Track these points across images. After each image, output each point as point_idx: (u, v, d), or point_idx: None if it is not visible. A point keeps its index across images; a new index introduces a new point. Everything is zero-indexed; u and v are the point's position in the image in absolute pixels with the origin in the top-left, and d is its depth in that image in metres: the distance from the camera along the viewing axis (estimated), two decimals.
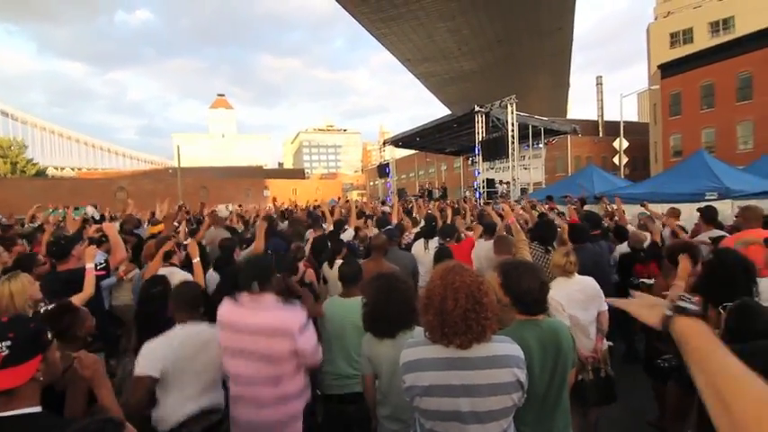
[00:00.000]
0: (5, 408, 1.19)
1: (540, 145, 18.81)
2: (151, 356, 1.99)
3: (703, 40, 29.27)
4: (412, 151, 30.36)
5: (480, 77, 32.48)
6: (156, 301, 2.61)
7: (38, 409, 1.24)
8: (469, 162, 24.08)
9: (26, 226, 6.21)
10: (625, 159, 17.54)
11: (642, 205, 6.36)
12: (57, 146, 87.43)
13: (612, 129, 31.00)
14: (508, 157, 16.00)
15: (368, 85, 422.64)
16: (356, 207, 7.23)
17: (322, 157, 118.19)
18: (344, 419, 2.42)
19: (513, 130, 15.70)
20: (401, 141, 23.56)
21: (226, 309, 2.11)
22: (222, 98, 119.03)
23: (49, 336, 1.31)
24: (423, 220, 5.82)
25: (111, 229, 3.67)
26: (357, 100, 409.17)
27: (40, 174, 46.18)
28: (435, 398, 1.45)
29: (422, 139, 22.49)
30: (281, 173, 58.38)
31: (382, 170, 24.45)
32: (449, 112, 25.37)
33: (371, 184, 38.18)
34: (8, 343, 1.18)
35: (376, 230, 5.06)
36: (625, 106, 26.45)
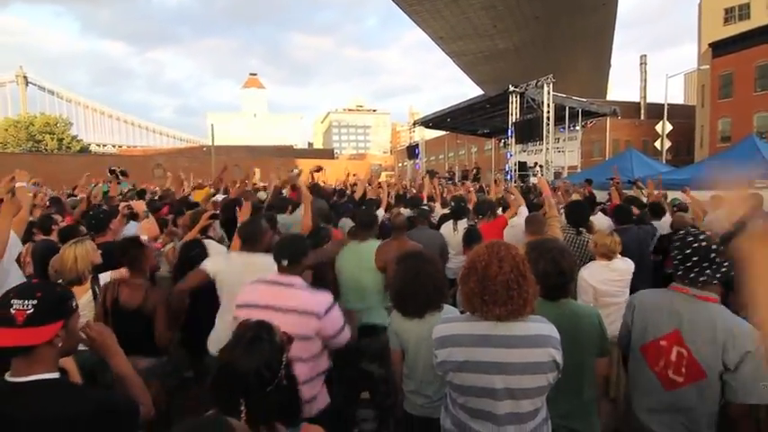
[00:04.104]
0: (25, 372, 1.21)
1: (577, 127, 18.09)
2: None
3: (761, 17, 27.06)
4: (442, 132, 29.87)
5: (515, 56, 31.36)
6: (194, 263, 2.74)
7: (56, 375, 1.26)
8: (501, 144, 23.51)
9: (79, 197, 6.53)
10: (668, 144, 16.69)
11: (683, 191, 6.07)
12: (99, 124, 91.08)
13: (655, 111, 29.40)
14: (542, 139, 15.50)
15: (399, 65, 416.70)
16: (389, 189, 7.21)
17: (351, 137, 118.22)
18: (360, 350, 2.64)
19: (548, 112, 15.15)
20: (431, 122, 23.20)
21: (254, 288, 2.13)
22: (254, 77, 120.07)
23: (74, 305, 1.34)
24: (451, 202, 5.79)
25: (141, 205, 3.84)
26: (387, 79, 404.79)
27: (84, 150, 48.32)
28: (469, 374, 1.47)
29: (453, 120, 22.06)
30: (310, 153, 58.89)
31: (411, 151, 24.24)
32: (481, 92, 24.69)
33: (400, 165, 37.99)
34: (34, 302, 1.22)
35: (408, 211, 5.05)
36: (670, 88, 24.96)
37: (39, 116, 45.66)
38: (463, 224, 4.39)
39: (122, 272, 2.63)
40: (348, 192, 7.62)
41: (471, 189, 7.47)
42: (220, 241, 3.79)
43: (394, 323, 2.01)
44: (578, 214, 3.64)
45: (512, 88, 15.96)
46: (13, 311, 1.17)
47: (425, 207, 5.01)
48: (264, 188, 7.15)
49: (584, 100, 19.12)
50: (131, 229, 4.15)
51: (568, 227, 3.48)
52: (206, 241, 3.51)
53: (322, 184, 8.77)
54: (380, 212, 4.88)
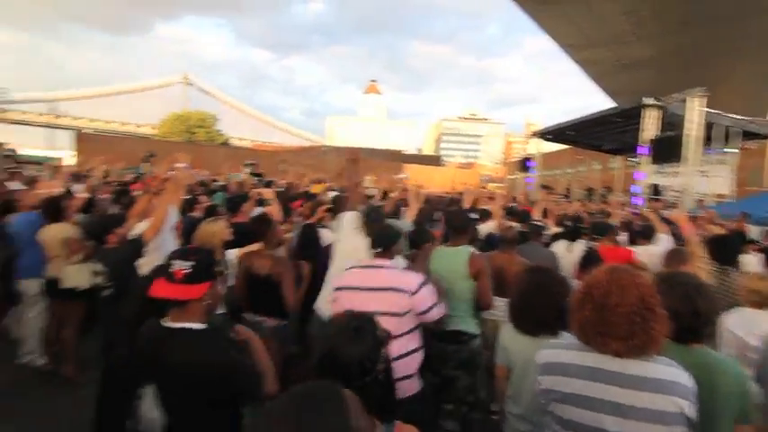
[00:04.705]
0: (178, 319, 1.47)
1: (731, 150, 15.44)
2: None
3: None
4: (560, 146, 27.89)
5: (654, 66, 27.83)
6: (308, 248, 3.11)
7: (203, 325, 1.50)
8: (631, 163, 21.12)
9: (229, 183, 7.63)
10: None
11: None
12: (238, 120, 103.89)
13: None
14: (684, 160, 13.53)
15: (518, 74, 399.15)
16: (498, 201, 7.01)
17: (461, 145, 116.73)
18: (445, 356, 2.65)
19: (694, 130, 13.17)
20: (551, 134, 21.82)
21: (351, 273, 2.33)
22: (374, 84, 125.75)
23: (220, 270, 1.59)
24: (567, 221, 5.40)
25: (270, 193, 4.34)
26: (504, 89, 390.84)
27: (225, 143, 55.58)
28: (575, 408, 1.34)
29: (576, 133, 20.44)
30: (417, 158, 59.63)
31: (524, 164, 23.09)
32: (610, 104, 22.49)
33: (510, 177, 36.49)
34: (191, 263, 1.46)
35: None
36: None
37: (194, 112, 53.97)
38: (579, 245, 4.05)
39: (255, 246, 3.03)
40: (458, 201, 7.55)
41: (613, 208, 6.84)
42: None
43: (504, 337, 1.94)
44: (725, 249, 3.10)
45: (651, 101, 14.22)
46: (173, 270, 1.42)
47: (538, 223, 4.74)
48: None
49: (743, 118, 16.21)
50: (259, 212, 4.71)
51: (712, 264, 2.99)
52: (320, 229, 3.89)
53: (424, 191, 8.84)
54: (491, 225, 4.77)
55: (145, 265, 2.67)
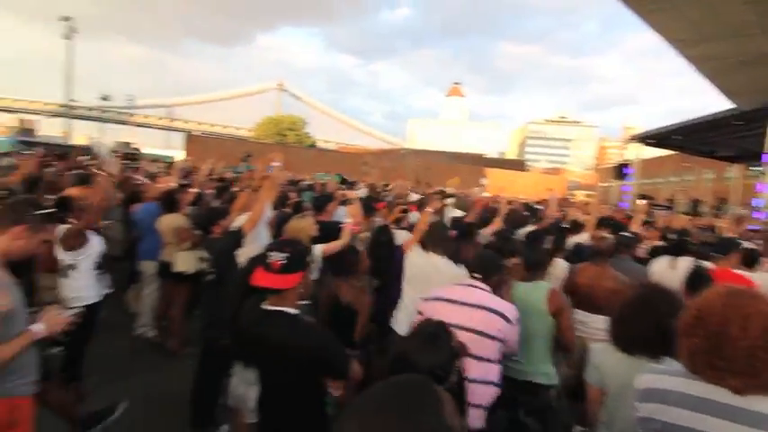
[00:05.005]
0: (276, 303, 1.62)
1: None
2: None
3: None
4: (663, 152, 25.21)
5: None
6: (383, 247, 3.17)
7: (297, 311, 1.64)
8: (752, 172, 18.39)
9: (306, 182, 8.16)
10: None
11: None
12: (325, 124, 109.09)
13: None
14: None
15: (615, 73, 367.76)
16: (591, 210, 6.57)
17: (548, 150, 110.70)
18: (516, 402, 2.46)
19: None
20: (653, 138, 19.87)
21: (444, 287, 2.27)
22: (457, 86, 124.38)
23: (311, 261, 1.71)
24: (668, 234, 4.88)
25: (353, 194, 4.50)
26: (599, 90, 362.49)
27: (312, 145, 58.75)
28: None
29: (683, 138, 18.37)
30: (499, 162, 57.64)
31: (620, 171, 21.20)
32: (726, 105, 19.80)
33: (603, 185, 33.75)
34: (286, 254, 1.59)
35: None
36: None
37: (286, 116, 57.86)
38: (685, 262, 3.63)
39: (340, 244, 3.16)
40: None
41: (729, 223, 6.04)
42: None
43: (598, 355, 1.77)
44: None
45: None
46: (270, 260, 1.55)
47: (631, 235, 4.34)
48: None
49: None
50: (341, 211, 4.90)
51: None
52: (396, 231, 3.94)
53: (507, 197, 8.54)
54: (584, 236, 4.49)
55: (242, 254, 2.93)
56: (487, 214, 4.94)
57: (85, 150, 11.15)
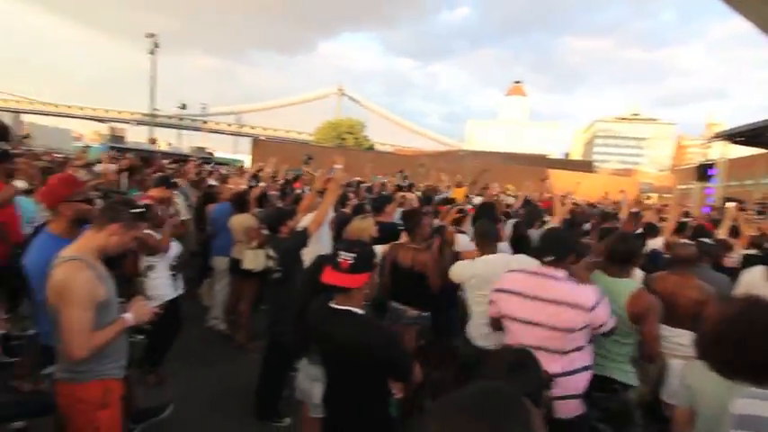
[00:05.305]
0: (343, 302, 1.67)
1: None
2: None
3: None
4: (754, 150, 22.65)
5: None
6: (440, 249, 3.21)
7: (362, 311, 1.68)
8: None
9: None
10: None
11: None
12: (382, 126, 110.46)
13: None
14: None
15: (697, 65, 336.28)
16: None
17: (619, 149, 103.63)
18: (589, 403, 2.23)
19: None
20: (742, 136, 17.96)
21: (516, 277, 2.17)
22: (518, 85, 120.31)
23: (377, 262, 1.73)
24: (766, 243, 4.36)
25: (412, 195, 4.50)
26: (677, 84, 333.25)
27: (370, 148, 59.63)
28: None
29: None
30: (564, 163, 54.86)
31: (703, 171, 19.33)
32: None
33: (681, 187, 31.01)
34: (354, 255, 1.63)
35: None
36: None
37: (345, 120, 59.27)
38: None
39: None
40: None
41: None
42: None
43: (689, 374, 1.59)
44: None
45: None
46: (339, 260, 1.60)
47: (714, 242, 3.95)
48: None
49: None
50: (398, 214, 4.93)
51: None
52: (457, 234, 3.88)
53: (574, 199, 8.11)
54: (657, 242, 4.16)
55: (307, 254, 3.04)
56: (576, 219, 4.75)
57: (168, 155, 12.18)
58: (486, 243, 2.88)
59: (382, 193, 6.38)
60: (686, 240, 4.03)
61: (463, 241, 3.80)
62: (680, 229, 5.21)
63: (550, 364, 1.92)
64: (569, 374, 1.97)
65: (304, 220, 3.38)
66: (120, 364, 2.05)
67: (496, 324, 2.31)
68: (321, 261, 1.88)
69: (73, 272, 1.77)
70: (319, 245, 3.25)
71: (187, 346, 3.95)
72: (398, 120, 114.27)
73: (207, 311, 4.95)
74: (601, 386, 2.26)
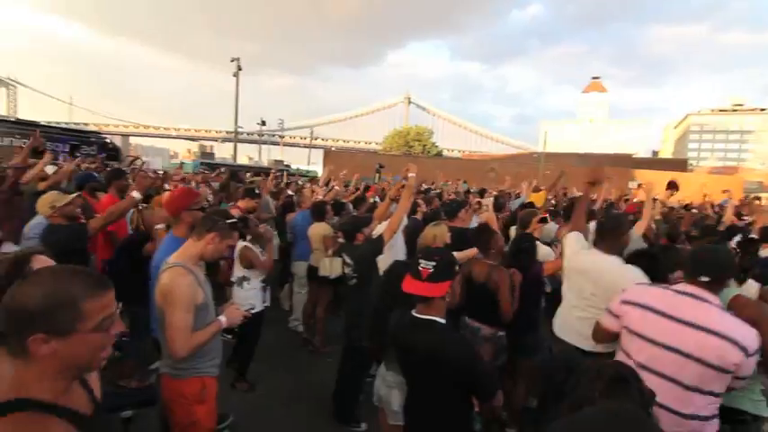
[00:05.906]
0: (424, 311, 1.65)
1: None
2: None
3: None
4: None
5: None
6: (523, 253, 3.16)
7: (443, 320, 1.64)
8: None
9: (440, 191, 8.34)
10: None
11: None
12: (450, 132, 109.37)
13: None
14: None
15: None
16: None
17: (718, 145, 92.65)
18: None
19: None
20: None
21: (653, 292, 1.92)
22: (597, 81, 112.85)
23: (456, 269, 1.68)
24: None
25: (488, 201, 4.34)
26: None
27: (438, 154, 59.30)
28: None
29: None
30: (654, 162, 50.20)
31: None
32: None
33: None
34: (433, 263, 1.61)
35: None
36: None
37: (412, 127, 59.57)
38: None
39: (471, 251, 3.11)
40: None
41: None
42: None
43: None
44: None
45: None
46: (420, 269, 1.59)
47: None
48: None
49: None
50: (474, 220, 4.82)
51: None
52: (537, 243, 3.69)
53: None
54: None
55: (381, 260, 3.08)
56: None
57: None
58: (610, 240, 2.46)
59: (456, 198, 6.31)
60: None
61: (544, 251, 3.61)
62: None
63: (682, 402, 1.70)
64: (695, 419, 1.69)
65: (379, 228, 3.43)
66: (216, 362, 2.21)
67: (607, 338, 2.06)
68: (397, 268, 1.88)
69: (176, 277, 1.95)
70: (393, 251, 3.27)
71: (266, 348, 4.17)
72: (467, 124, 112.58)
73: (287, 315, 5.21)
74: (728, 417, 1.97)
